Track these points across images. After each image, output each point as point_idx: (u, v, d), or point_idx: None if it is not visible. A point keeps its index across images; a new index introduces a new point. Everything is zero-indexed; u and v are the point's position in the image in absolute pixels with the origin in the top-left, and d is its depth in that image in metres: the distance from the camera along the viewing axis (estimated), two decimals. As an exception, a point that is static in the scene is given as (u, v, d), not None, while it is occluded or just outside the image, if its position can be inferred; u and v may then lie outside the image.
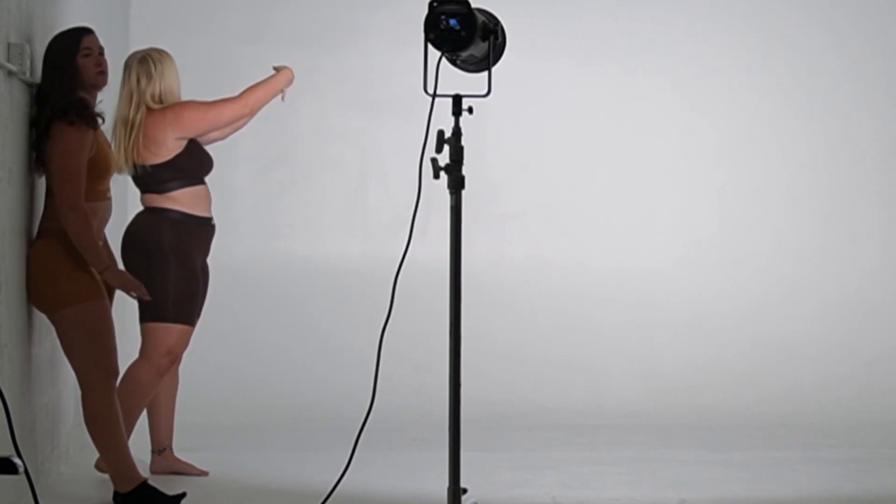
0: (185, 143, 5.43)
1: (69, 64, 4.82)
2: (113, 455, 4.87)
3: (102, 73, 4.91)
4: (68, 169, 4.74)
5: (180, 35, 7.58)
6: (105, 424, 4.84)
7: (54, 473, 5.38)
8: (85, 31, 4.94)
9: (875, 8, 8.24)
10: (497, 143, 7.89)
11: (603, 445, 6.68)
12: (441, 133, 4.06)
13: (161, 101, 5.44)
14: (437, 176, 4.07)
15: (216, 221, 5.61)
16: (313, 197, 7.93)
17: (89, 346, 4.81)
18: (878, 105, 8.22)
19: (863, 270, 8.17)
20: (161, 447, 5.66)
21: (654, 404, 7.65)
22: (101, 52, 4.94)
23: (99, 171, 4.86)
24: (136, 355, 5.49)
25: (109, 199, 4.96)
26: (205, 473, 5.66)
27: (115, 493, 4.90)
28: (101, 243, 4.93)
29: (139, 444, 5.43)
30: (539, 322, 7.95)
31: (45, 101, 4.82)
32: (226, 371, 7.40)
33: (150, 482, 4.93)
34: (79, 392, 5.92)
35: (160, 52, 5.51)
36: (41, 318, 5.10)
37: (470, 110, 4.09)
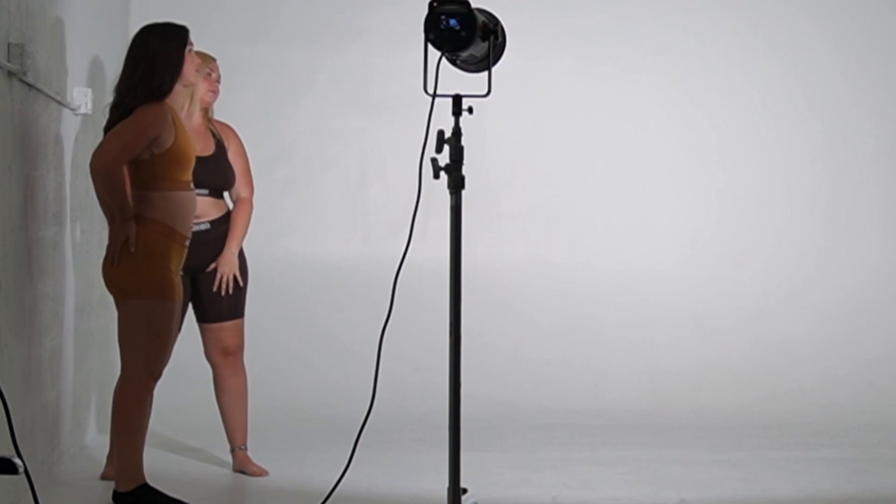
0: None
1: (179, 58, 4.88)
2: (125, 450, 4.86)
3: (198, 72, 5.08)
4: (127, 131, 4.77)
5: (180, 35, 7.58)
6: (128, 417, 4.84)
7: (54, 473, 5.38)
8: (184, 28, 4.99)
9: (875, 8, 8.24)
10: (497, 143, 7.89)
11: (603, 445, 6.68)
12: (441, 133, 4.06)
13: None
14: (437, 176, 4.07)
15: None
16: (313, 197, 7.93)
17: (144, 344, 4.81)
18: (878, 105, 8.22)
19: (863, 270, 8.17)
20: (230, 447, 5.80)
21: (654, 404, 7.65)
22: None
23: (180, 161, 4.87)
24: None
25: (192, 189, 4.96)
26: (262, 473, 5.72)
27: (114, 493, 4.89)
28: (188, 236, 4.93)
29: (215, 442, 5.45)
30: (539, 322, 7.95)
31: (132, 90, 4.85)
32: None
33: (152, 484, 4.92)
34: (79, 393, 5.94)
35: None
36: (41, 319, 5.10)
37: (470, 110, 4.09)
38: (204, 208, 5.58)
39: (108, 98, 5.17)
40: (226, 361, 5.74)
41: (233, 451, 5.80)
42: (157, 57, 4.88)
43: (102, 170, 4.75)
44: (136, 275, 4.77)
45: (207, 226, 5.61)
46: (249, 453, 5.79)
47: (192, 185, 4.97)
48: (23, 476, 3.15)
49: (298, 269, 7.82)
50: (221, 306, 5.68)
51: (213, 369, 5.78)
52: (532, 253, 8.04)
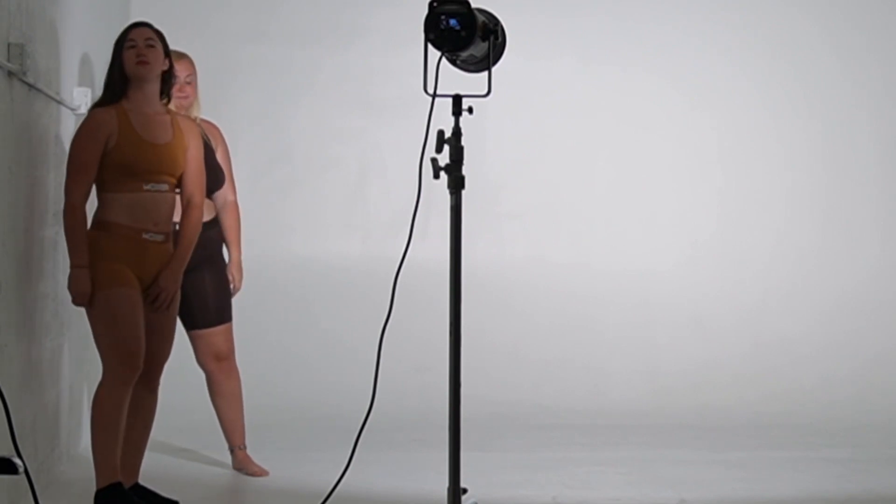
0: None
1: (117, 57, 4.90)
2: (99, 446, 4.76)
3: (141, 64, 4.86)
4: (71, 161, 4.82)
5: (180, 35, 7.57)
6: (103, 412, 4.74)
7: (54, 473, 5.38)
8: (135, 25, 5.00)
9: (875, 8, 8.24)
10: (497, 143, 7.89)
11: (603, 445, 6.68)
12: (441, 133, 4.06)
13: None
14: (437, 176, 4.07)
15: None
16: (313, 197, 7.93)
17: (109, 333, 4.74)
18: (878, 105, 8.21)
19: (863, 270, 8.17)
20: (230, 447, 5.79)
21: (654, 404, 7.65)
22: (148, 43, 4.90)
23: (117, 165, 4.76)
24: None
25: (147, 191, 4.81)
26: (262, 473, 5.71)
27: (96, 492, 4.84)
28: (146, 227, 4.82)
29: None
30: (539, 322, 7.95)
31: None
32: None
33: (124, 485, 4.82)
34: (79, 393, 5.94)
35: None
36: (41, 319, 5.10)
37: (470, 110, 4.09)
38: None
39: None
40: (220, 367, 5.71)
41: (232, 450, 5.79)
42: (109, 65, 4.94)
43: (65, 204, 4.78)
44: (92, 273, 4.75)
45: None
46: (249, 453, 5.79)
47: (146, 188, 4.81)
48: (23, 476, 3.15)
49: (298, 270, 7.82)
50: (209, 311, 5.61)
51: (207, 375, 5.75)
52: (532, 253, 8.04)
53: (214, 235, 5.65)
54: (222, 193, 5.72)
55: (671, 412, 7.51)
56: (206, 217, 5.53)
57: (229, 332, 5.74)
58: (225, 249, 5.82)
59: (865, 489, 5.61)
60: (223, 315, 5.70)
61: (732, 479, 5.79)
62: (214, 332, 5.67)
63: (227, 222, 5.76)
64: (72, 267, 4.76)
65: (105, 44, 6.57)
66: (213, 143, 5.69)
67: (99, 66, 6.26)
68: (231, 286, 5.79)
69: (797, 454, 6.42)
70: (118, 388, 4.75)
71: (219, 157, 5.70)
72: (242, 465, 5.76)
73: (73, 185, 4.77)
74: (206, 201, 5.51)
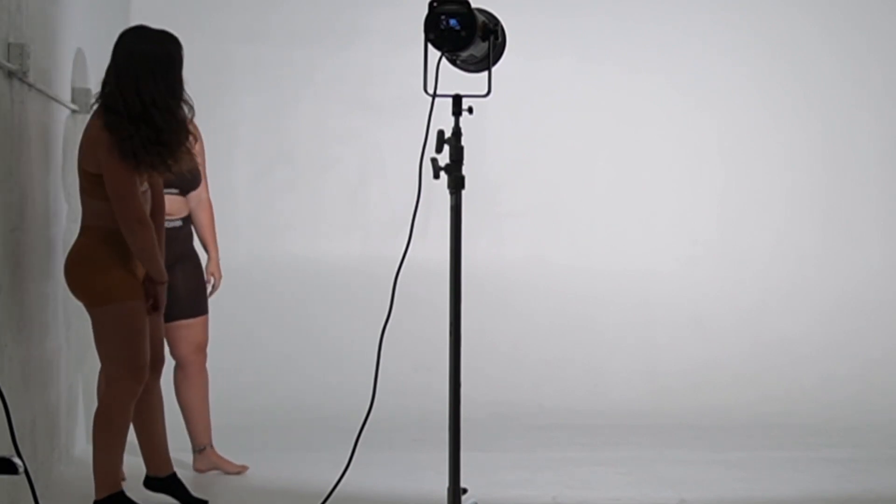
0: None
1: (179, 75, 4.86)
2: (102, 455, 4.76)
3: None
4: (126, 189, 4.67)
5: (180, 35, 7.56)
6: (109, 422, 4.76)
7: (54, 473, 5.38)
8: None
9: (875, 8, 8.24)
10: (497, 143, 7.88)
11: (603, 445, 6.69)
12: (441, 133, 4.06)
13: None
14: (437, 176, 4.08)
15: (217, 222, 5.65)
16: (313, 197, 7.93)
17: (122, 345, 4.74)
18: (878, 104, 8.22)
19: (863, 270, 8.17)
20: (201, 446, 5.74)
21: (654, 404, 7.65)
22: None
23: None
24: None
25: (144, 192, 4.80)
26: (244, 470, 5.71)
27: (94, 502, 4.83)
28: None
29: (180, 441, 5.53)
30: (539, 322, 7.95)
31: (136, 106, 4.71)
32: (225, 371, 7.37)
33: (127, 493, 4.82)
34: (78, 392, 5.94)
35: None
36: (41, 319, 5.10)
37: (470, 110, 4.09)
38: (176, 207, 5.54)
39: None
40: (197, 358, 5.71)
41: (202, 450, 5.74)
42: (166, 70, 4.89)
43: (140, 228, 4.68)
44: (104, 281, 4.71)
45: (180, 223, 5.59)
46: (251, 452, 5.77)
47: (142, 188, 4.79)
48: (23, 476, 3.15)
49: (298, 270, 7.82)
50: (183, 304, 5.58)
51: (182, 367, 5.72)
52: (532, 253, 8.04)
53: (188, 232, 5.67)
54: (197, 191, 5.70)
55: (671, 412, 7.51)
56: (181, 214, 5.59)
57: (207, 324, 5.74)
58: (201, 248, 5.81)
59: (865, 489, 5.61)
60: (199, 307, 5.70)
61: (732, 479, 5.80)
62: (193, 324, 5.67)
63: (203, 220, 5.74)
64: (160, 283, 4.79)
65: (104, 44, 6.57)
66: (191, 142, 5.64)
67: (96, 66, 6.26)
68: (210, 285, 5.80)
69: (797, 454, 6.42)
70: (128, 400, 4.77)
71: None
72: (216, 464, 5.72)
73: (138, 204, 4.69)
74: (180, 199, 5.57)
